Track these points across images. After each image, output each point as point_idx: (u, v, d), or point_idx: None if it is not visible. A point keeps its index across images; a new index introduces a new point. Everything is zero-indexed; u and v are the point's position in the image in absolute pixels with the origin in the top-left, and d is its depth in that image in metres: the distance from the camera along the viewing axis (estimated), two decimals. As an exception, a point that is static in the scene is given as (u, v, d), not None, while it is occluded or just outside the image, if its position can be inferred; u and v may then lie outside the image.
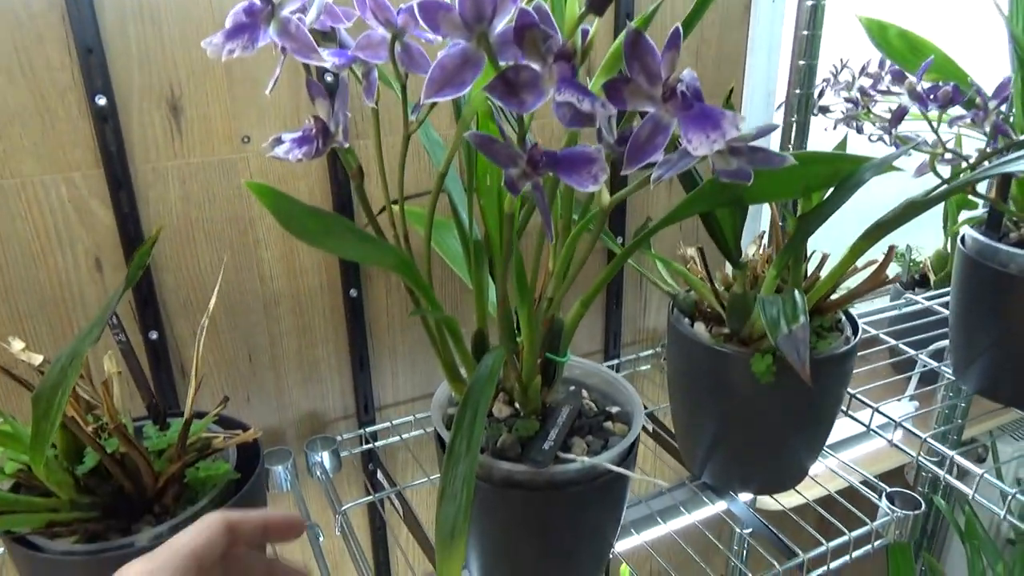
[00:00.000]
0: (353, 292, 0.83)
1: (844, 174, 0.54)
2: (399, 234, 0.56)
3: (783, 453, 0.72)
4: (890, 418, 0.84)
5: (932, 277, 1.29)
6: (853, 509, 0.76)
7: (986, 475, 0.72)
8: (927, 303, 1.05)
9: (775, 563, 0.68)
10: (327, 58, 0.45)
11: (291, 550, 0.92)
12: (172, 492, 0.54)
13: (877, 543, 0.72)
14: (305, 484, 0.88)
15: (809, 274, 0.68)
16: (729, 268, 0.73)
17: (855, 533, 0.71)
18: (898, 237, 0.61)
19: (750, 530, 1.04)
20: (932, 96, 0.57)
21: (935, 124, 0.59)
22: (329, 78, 0.69)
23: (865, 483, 0.81)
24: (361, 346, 0.85)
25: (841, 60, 0.86)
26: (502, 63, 0.35)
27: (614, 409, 0.63)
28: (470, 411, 0.46)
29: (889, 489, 0.76)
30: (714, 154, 0.33)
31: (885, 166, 0.53)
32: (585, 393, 0.66)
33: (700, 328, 0.71)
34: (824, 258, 0.68)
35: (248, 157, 0.74)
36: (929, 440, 0.83)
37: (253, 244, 0.77)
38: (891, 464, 1.24)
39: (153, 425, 0.58)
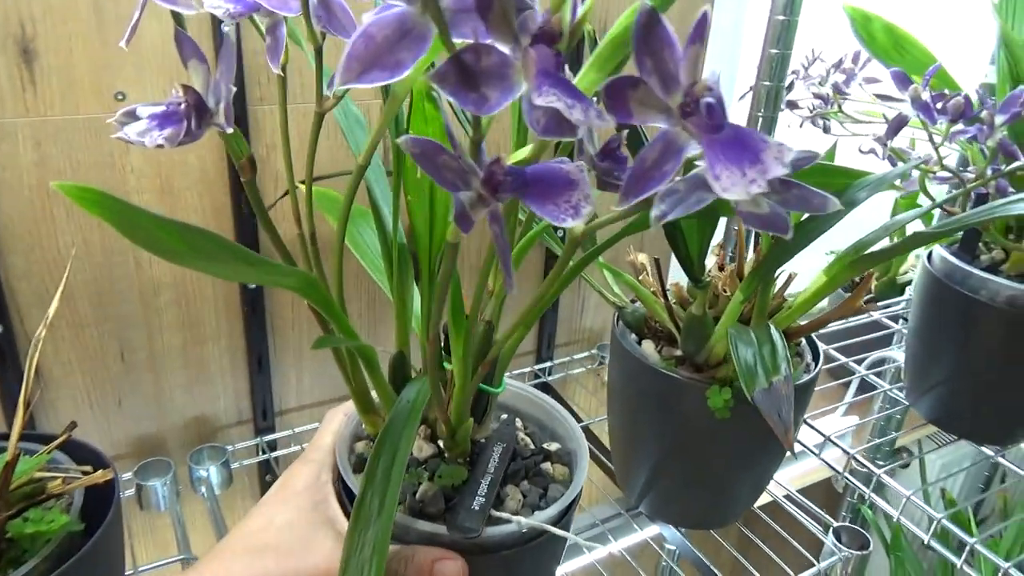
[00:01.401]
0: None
1: (833, 190, 0.46)
2: (305, 232, 0.45)
3: (731, 488, 0.65)
4: (821, 433, 0.79)
5: (873, 283, 1.25)
6: (784, 533, 0.71)
7: (913, 497, 0.68)
8: (875, 315, 1.00)
9: (717, 612, 0.62)
10: (217, 2, 0.34)
11: None
12: (-11, 550, 0.42)
13: (824, 585, 0.67)
14: (189, 501, 0.76)
15: (773, 294, 0.60)
16: (684, 281, 0.65)
17: (805, 574, 0.65)
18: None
19: (676, 555, 0.98)
20: (939, 107, 0.49)
21: (937, 138, 0.51)
22: (226, 28, 0.56)
23: (795, 503, 0.75)
24: (259, 343, 0.74)
25: (813, 51, 0.78)
26: (457, 40, 0.24)
27: (553, 446, 0.54)
28: (385, 457, 0.37)
29: (836, 524, 0.71)
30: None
31: (884, 185, 0.45)
32: (519, 423, 0.56)
33: (648, 347, 0.63)
34: (791, 278, 0.61)
35: (122, 118, 0.61)
36: (857, 457, 0.78)
37: (128, 223, 0.64)
38: (820, 476, 1.21)
39: (-28, 459, 0.45)
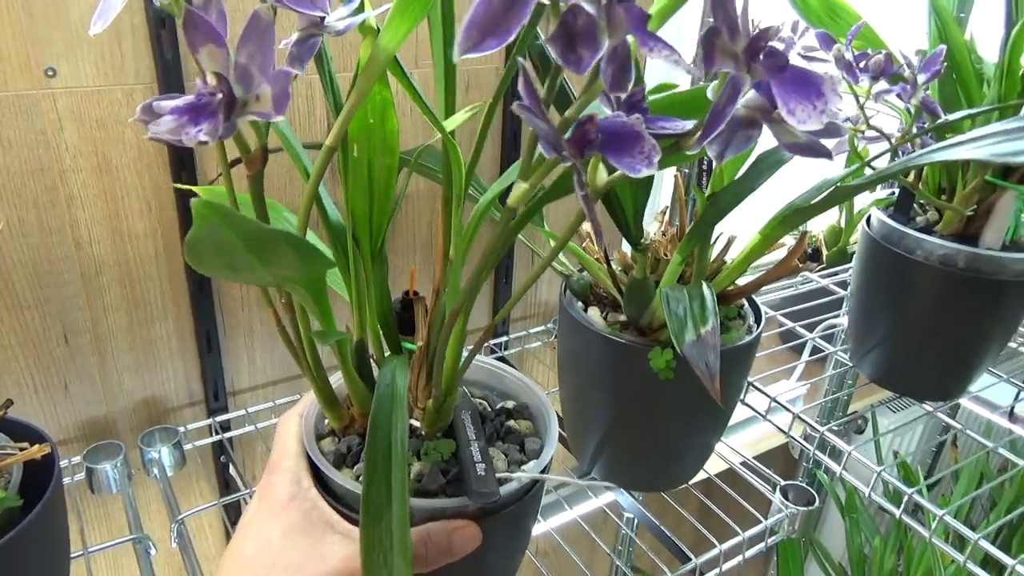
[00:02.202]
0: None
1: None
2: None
3: (679, 449, 0.66)
4: (770, 397, 0.81)
5: (824, 251, 1.28)
6: (738, 498, 0.72)
7: (855, 452, 0.70)
8: (823, 282, 1.02)
9: (666, 569, 0.63)
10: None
11: (122, 568, 0.80)
12: (-78, 529, 0.42)
13: (771, 540, 0.68)
14: (142, 484, 0.76)
15: (713, 258, 0.61)
16: (628, 248, 0.66)
17: (748, 532, 0.67)
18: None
19: (635, 523, 1.00)
20: (861, 65, 0.50)
21: (862, 98, 0.53)
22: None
23: (751, 469, 0.77)
24: (208, 324, 0.73)
25: (752, 22, 0.79)
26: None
27: (509, 403, 0.55)
28: (382, 444, 0.37)
29: (784, 482, 0.72)
30: (778, 125, 0.27)
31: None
32: (465, 391, 0.57)
33: (594, 314, 0.64)
34: (730, 241, 0.62)
35: (55, 94, 0.60)
36: (801, 416, 0.80)
37: (65, 201, 0.63)
38: (776, 442, 1.24)
39: (-98, 439, 0.45)
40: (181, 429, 0.74)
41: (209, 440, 0.77)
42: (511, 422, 0.54)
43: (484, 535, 0.42)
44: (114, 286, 0.68)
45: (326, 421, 0.50)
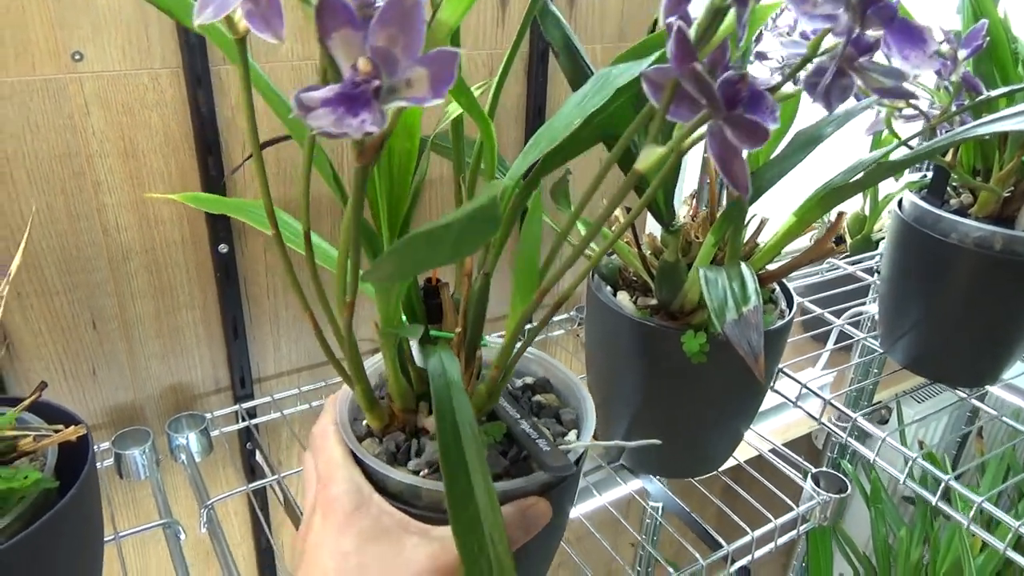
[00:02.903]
0: (223, 248, 0.70)
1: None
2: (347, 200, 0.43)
3: (708, 436, 0.66)
4: (800, 382, 0.80)
5: (848, 239, 1.26)
6: (769, 485, 0.72)
7: (888, 438, 0.69)
8: (849, 268, 1.01)
9: (699, 557, 0.62)
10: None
11: (147, 553, 0.81)
12: (-40, 510, 0.42)
13: (803, 528, 0.68)
14: (169, 470, 0.76)
15: (745, 241, 0.61)
16: (659, 232, 0.65)
17: (780, 520, 0.66)
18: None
19: (660, 509, 0.99)
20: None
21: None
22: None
23: (780, 455, 0.76)
24: (235, 311, 0.73)
25: (783, 2, 0.78)
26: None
27: (528, 380, 0.55)
28: (451, 434, 0.36)
29: (815, 470, 0.71)
30: (864, 74, 0.31)
31: (850, 118, 0.46)
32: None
33: (624, 298, 0.63)
34: (762, 223, 0.61)
35: (82, 78, 0.60)
36: (833, 402, 0.79)
37: (92, 187, 0.63)
38: (800, 431, 1.23)
39: (-62, 421, 0.45)
40: (208, 416, 0.74)
41: (235, 427, 0.77)
42: (538, 397, 0.54)
43: (555, 504, 0.42)
44: (141, 272, 0.68)
45: (364, 423, 0.49)
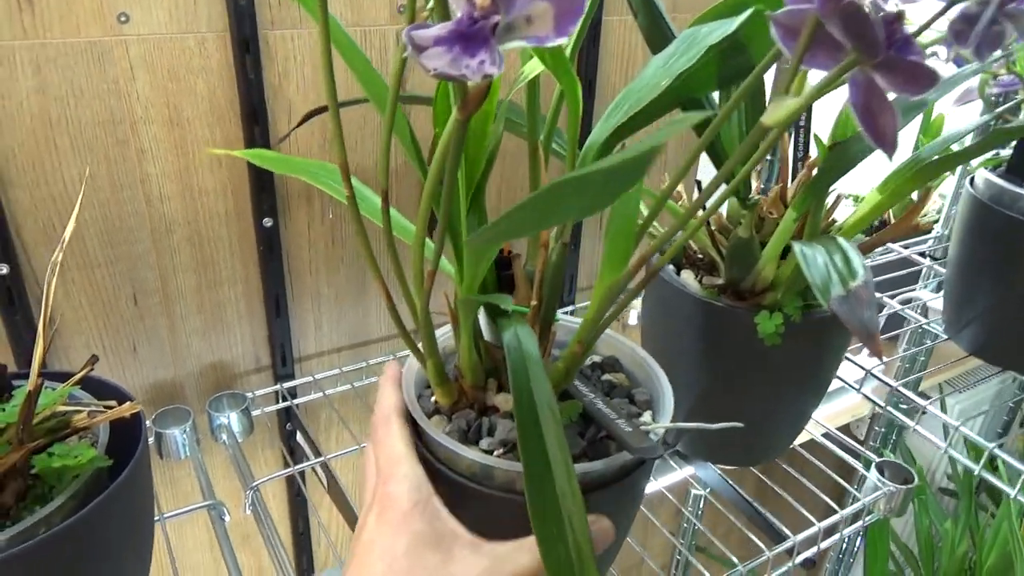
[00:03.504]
0: (267, 221, 0.67)
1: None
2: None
3: (774, 422, 0.63)
4: (865, 369, 0.78)
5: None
6: (826, 469, 0.69)
7: (962, 428, 0.66)
8: (904, 252, 0.98)
9: (764, 549, 0.60)
10: None
11: (184, 534, 0.79)
12: (13, 488, 0.40)
13: (868, 519, 0.65)
14: (208, 450, 0.74)
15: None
16: (725, 206, 0.62)
17: (847, 511, 0.63)
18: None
19: (702, 500, 0.96)
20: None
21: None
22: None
23: (834, 441, 0.74)
24: (277, 287, 0.71)
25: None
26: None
27: (596, 358, 0.53)
28: (527, 412, 0.34)
29: (879, 459, 0.69)
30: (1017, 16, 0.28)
31: (953, 84, 0.42)
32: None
33: (688, 277, 0.61)
34: (839, 199, 0.58)
35: (127, 41, 0.57)
36: (900, 389, 0.77)
37: (136, 155, 0.60)
38: (841, 421, 1.20)
39: (-12, 395, 0.42)
40: (249, 395, 0.71)
41: (275, 407, 0.75)
42: (608, 376, 0.51)
43: (631, 489, 0.41)
44: (184, 245, 0.65)
45: (432, 399, 0.47)
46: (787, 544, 0.61)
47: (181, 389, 0.71)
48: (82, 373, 0.43)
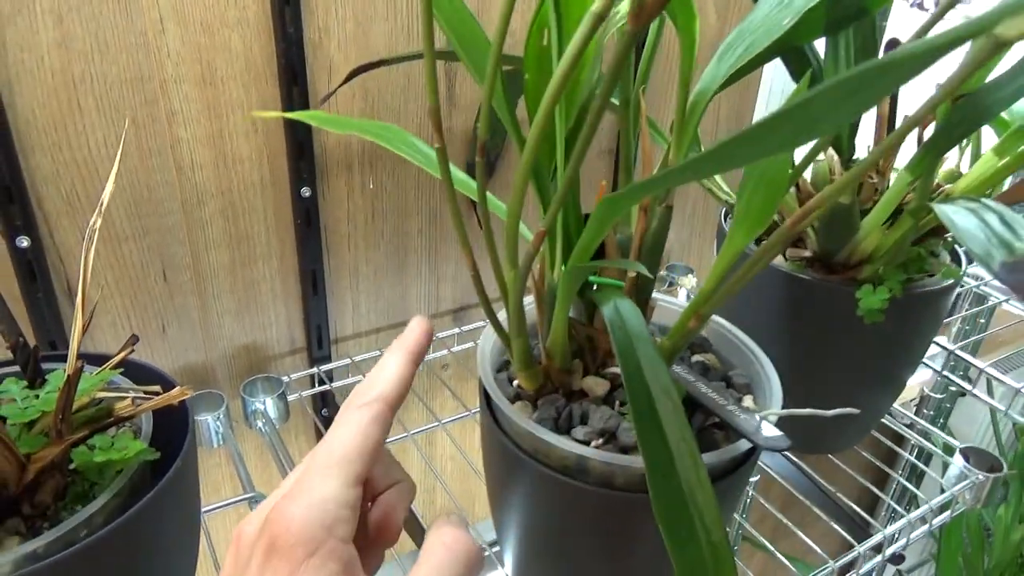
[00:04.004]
0: (306, 191, 0.62)
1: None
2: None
3: (861, 404, 0.58)
4: (948, 349, 0.74)
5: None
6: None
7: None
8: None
9: (852, 540, 0.55)
10: None
11: (216, 527, 0.74)
12: (51, 485, 0.35)
13: (957, 510, 0.60)
14: (242, 437, 0.69)
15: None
16: (809, 172, 0.57)
17: (935, 501, 0.59)
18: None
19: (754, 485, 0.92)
20: None
21: None
22: None
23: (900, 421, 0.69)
24: (314, 263, 0.66)
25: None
26: None
27: None
28: (640, 396, 0.30)
29: (962, 445, 0.64)
30: None
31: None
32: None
33: (770, 248, 0.55)
34: (941, 163, 0.53)
35: (157, -11, 0.51)
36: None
37: (167, 118, 0.55)
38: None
39: (18, 381, 0.37)
40: (285, 379, 0.67)
41: (311, 391, 0.70)
42: (698, 357, 0.47)
43: (739, 483, 0.39)
44: (216, 218, 0.60)
45: (515, 383, 0.42)
46: (875, 539, 0.56)
47: (212, 372, 0.67)
48: (122, 355, 0.38)
